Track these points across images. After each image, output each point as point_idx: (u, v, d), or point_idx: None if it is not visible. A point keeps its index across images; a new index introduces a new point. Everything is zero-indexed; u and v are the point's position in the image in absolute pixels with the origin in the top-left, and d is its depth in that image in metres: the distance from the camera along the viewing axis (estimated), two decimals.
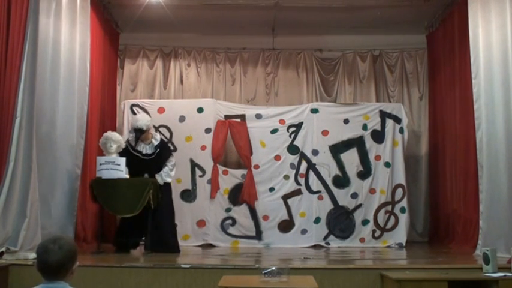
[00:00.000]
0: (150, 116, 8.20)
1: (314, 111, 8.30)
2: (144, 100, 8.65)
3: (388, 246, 7.92)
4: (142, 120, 6.98)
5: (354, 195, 8.09)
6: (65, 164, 6.49)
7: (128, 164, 6.64)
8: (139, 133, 6.88)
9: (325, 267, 5.22)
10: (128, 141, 7.00)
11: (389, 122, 8.19)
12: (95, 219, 7.19)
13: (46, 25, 6.06)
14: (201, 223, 8.07)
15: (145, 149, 6.91)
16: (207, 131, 8.24)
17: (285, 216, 8.11)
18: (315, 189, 8.12)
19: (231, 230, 8.08)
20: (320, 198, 8.09)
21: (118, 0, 8.08)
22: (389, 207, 8.08)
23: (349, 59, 9.63)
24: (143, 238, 6.80)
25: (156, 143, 6.94)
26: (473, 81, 6.46)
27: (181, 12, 8.26)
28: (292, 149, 8.24)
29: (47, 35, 6.10)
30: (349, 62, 9.63)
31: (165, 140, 7.43)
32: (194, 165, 8.17)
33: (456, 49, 7.69)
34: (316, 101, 9.14)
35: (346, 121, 8.22)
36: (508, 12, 6.09)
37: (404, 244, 7.91)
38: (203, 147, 8.21)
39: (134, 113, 8.25)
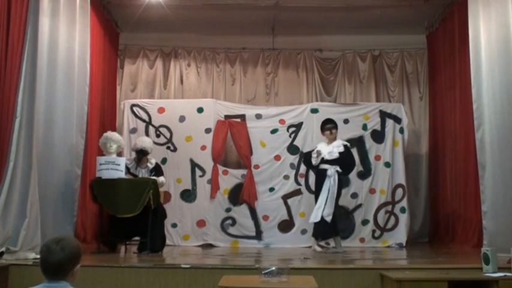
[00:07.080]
0: (150, 116, 8.26)
1: (314, 111, 8.30)
2: (144, 100, 8.66)
3: (388, 246, 7.92)
4: (148, 142, 7.06)
5: (354, 195, 8.09)
6: (64, 163, 6.46)
7: None
8: (141, 154, 6.93)
9: (325, 267, 5.20)
10: (126, 165, 6.92)
11: (389, 122, 8.20)
12: (95, 219, 7.18)
13: (46, 25, 6.05)
14: (201, 223, 8.07)
15: (141, 172, 6.95)
16: (207, 131, 8.25)
17: (285, 216, 8.11)
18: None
19: (231, 230, 8.09)
20: None
21: (118, 0, 8.08)
22: (389, 207, 8.08)
23: (349, 59, 9.63)
24: (133, 238, 6.78)
25: (151, 166, 7.01)
26: (472, 80, 6.43)
27: (181, 12, 8.27)
28: (292, 149, 8.24)
29: (47, 34, 6.08)
30: (349, 62, 9.62)
31: (159, 164, 7.37)
32: (194, 165, 8.18)
33: (456, 49, 7.68)
34: (316, 101, 9.14)
35: (346, 121, 8.21)
36: (510, 11, 6.08)
37: (404, 244, 7.90)
38: (203, 147, 8.21)
39: (134, 113, 8.28)
